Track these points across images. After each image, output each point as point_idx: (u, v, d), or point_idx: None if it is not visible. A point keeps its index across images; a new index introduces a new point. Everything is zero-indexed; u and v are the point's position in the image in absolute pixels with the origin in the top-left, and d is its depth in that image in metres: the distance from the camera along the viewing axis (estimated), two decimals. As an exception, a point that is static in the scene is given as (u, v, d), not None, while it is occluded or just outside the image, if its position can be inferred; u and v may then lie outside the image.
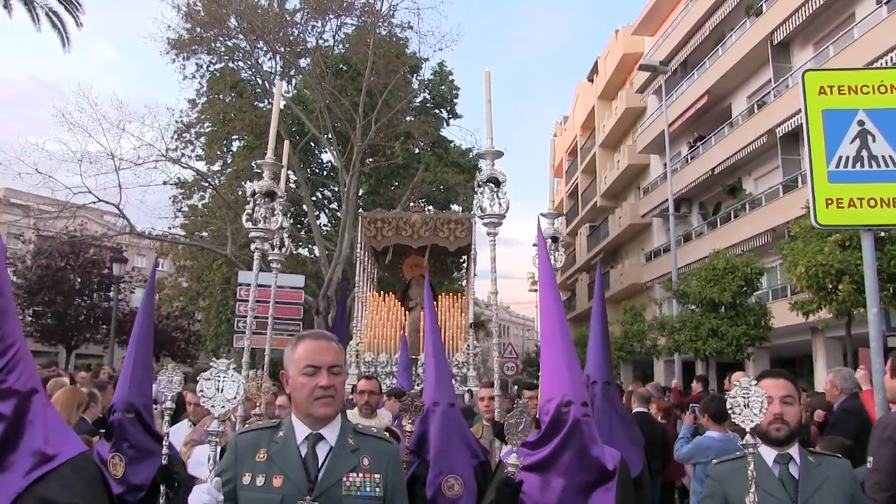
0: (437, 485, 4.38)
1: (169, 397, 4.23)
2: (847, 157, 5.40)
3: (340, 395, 2.74)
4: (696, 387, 13.14)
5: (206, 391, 2.78)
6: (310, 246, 30.01)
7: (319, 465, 2.64)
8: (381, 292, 16.13)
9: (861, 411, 6.46)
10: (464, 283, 23.17)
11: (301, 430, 2.70)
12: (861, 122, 5.43)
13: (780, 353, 23.32)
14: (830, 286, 11.86)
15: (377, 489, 2.66)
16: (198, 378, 7.02)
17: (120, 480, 4.10)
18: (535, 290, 55.67)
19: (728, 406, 2.97)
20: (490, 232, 5.17)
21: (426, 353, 4.96)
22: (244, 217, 5.15)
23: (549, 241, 5.92)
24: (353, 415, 5.95)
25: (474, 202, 5.16)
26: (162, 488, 4.06)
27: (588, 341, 5.12)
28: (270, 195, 5.23)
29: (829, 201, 5.38)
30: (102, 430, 4.49)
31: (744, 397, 2.93)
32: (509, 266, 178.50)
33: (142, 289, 33.62)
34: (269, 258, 6.42)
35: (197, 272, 30.00)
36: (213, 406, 2.78)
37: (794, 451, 3.18)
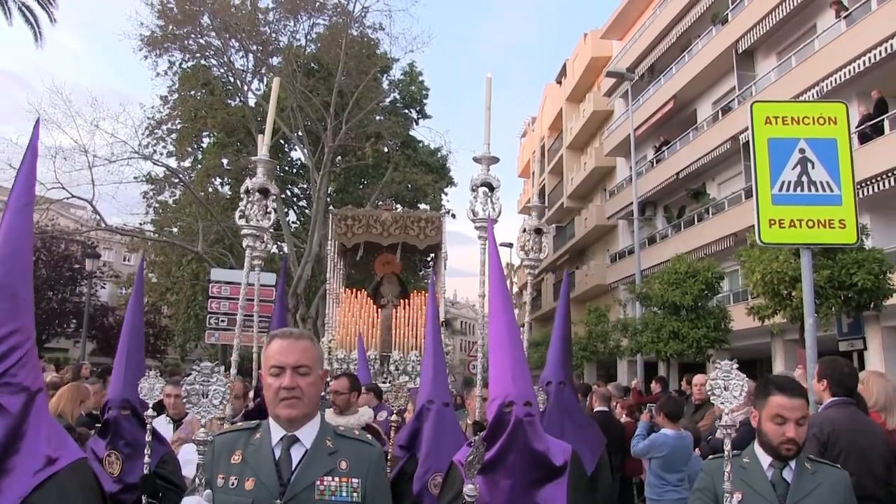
0: (424, 481, 4.46)
1: (150, 405, 4.12)
2: (789, 182, 5.98)
3: (310, 396, 2.61)
4: (655, 387, 13.60)
5: (191, 397, 2.67)
6: (278, 243, 30.23)
7: (293, 467, 2.54)
8: (353, 289, 16.35)
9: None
10: (428, 282, 23.28)
11: (276, 432, 2.61)
12: (802, 150, 6.00)
13: (741, 355, 23.43)
14: (785, 292, 12.35)
15: (354, 494, 2.55)
16: (181, 381, 6.94)
17: (116, 479, 4.02)
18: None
19: (708, 389, 3.01)
20: (482, 236, 5.13)
21: (425, 351, 4.93)
22: (237, 214, 4.94)
23: (534, 232, 5.87)
24: (329, 414, 5.97)
25: (467, 205, 5.06)
26: (144, 499, 3.93)
27: (550, 342, 5.26)
28: (264, 192, 4.96)
29: (773, 221, 5.95)
30: (98, 425, 4.47)
31: (724, 379, 2.95)
32: (470, 264, 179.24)
33: (113, 283, 33.62)
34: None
35: (167, 268, 30.08)
36: (198, 412, 2.67)
37: None
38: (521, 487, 3.13)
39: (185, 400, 2.68)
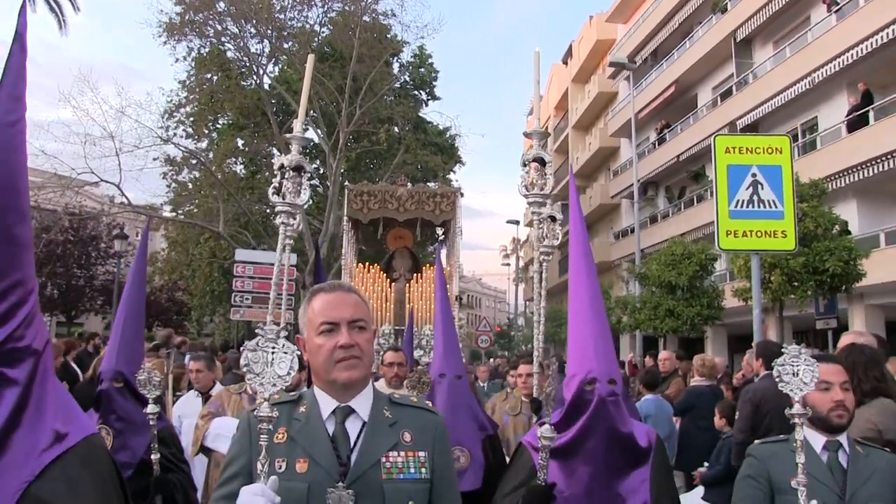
0: None
1: (151, 399, 3.76)
2: (743, 200, 7.49)
3: (368, 355, 2.26)
4: (648, 361, 14.81)
5: (252, 366, 2.13)
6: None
7: (352, 444, 2.18)
8: (366, 263, 16.60)
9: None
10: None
11: (326, 404, 2.24)
12: (754, 175, 7.49)
13: (736, 331, 24.85)
14: (765, 277, 13.57)
15: (423, 470, 2.20)
16: (201, 356, 7.42)
17: None
18: (508, 265, 57.27)
19: (776, 375, 2.75)
20: (535, 211, 4.97)
21: (435, 324, 4.82)
22: (271, 190, 4.48)
23: (549, 220, 5.69)
24: (381, 386, 5.42)
25: (519, 180, 4.79)
26: (158, 501, 3.72)
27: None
28: (298, 169, 4.48)
29: (729, 232, 7.48)
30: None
31: (792, 365, 2.72)
32: (481, 237, 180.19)
33: (137, 261, 34.75)
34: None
35: (185, 246, 31.08)
36: (261, 384, 2.12)
37: (843, 438, 3.03)
38: (602, 475, 2.85)
39: (245, 369, 2.15)
